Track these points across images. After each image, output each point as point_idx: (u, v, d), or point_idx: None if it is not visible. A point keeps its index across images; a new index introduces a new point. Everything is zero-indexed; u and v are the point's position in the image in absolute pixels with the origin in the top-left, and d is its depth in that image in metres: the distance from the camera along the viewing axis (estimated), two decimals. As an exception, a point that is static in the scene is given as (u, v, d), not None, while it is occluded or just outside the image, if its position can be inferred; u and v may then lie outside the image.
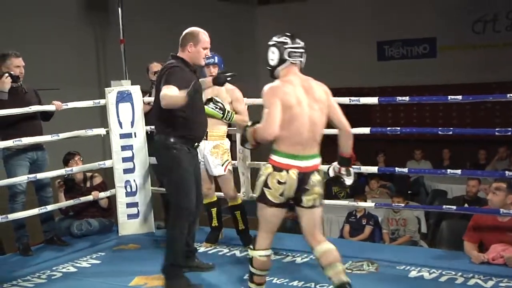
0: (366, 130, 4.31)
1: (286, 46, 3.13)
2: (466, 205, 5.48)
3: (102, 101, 5.07)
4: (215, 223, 4.61)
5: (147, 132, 5.03)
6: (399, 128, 4.38)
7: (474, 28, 15.70)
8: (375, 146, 9.31)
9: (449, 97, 4.03)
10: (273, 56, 3.16)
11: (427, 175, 7.83)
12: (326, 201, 5.95)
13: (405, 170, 4.43)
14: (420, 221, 5.98)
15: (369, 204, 5.10)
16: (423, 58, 16.33)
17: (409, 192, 7.55)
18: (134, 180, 5.04)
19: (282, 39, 3.16)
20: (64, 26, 12.07)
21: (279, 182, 3.01)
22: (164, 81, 3.48)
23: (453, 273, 3.78)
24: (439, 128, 4.15)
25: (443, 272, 3.81)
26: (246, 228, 4.49)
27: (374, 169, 4.71)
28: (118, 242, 4.88)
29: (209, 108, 4.20)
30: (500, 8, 15.41)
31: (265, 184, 3.04)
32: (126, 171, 5.03)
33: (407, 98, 4.16)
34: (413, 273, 3.85)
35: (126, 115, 5.01)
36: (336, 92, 4.70)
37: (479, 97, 4.11)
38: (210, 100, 4.23)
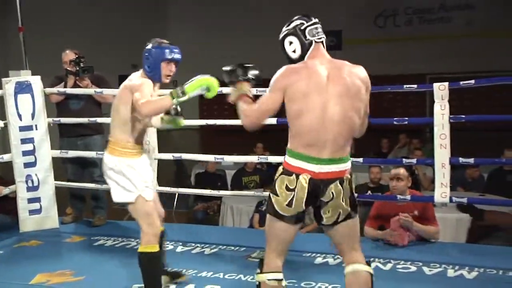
0: (273, 121, 4.36)
1: (304, 27, 2.60)
2: (369, 192, 5.71)
3: (-1, 92, 4.82)
4: None
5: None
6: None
7: (376, 22, 16.36)
8: (284, 136, 9.47)
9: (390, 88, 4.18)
10: (293, 46, 2.61)
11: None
12: (236, 192, 6.06)
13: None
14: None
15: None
16: (329, 50, 16.72)
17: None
18: (35, 175, 4.83)
19: (295, 23, 2.62)
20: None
21: (288, 189, 2.48)
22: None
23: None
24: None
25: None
26: None
27: (281, 159, 4.77)
28: (19, 239, 4.67)
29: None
30: (398, 4, 16.12)
31: (273, 190, 2.52)
32: (27, 165, 4.82)
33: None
34: (319, 260, 3.96)
35: (26, 107, 4.79)
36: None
37: (379, 88, 4.26)
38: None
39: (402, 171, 4.29)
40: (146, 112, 2.97)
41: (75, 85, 4.89)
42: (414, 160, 4.51)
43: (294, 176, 2.46)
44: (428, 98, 13.17)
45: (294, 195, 2.47)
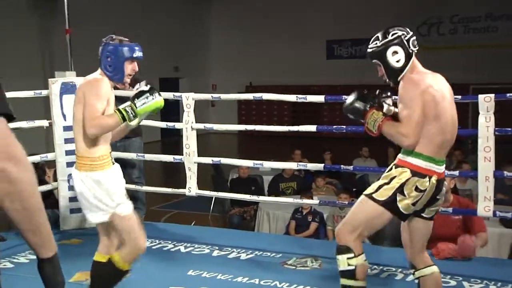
0: (312, 128, 4.35)
1: (407, 37, 2.73)
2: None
3: (44, 92, 4.93)
4: None
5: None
6: (344, 127, 4.43)
7: (419, 30, 16.14)
8: (323, 144, 9.43)
9: (393, 97, 4.10)
10: (398, 56, 2.70)
11: (372, 173, 7.97)
12: (273, 198, 6.06)
13: (350, 167, 4.50)
14: (364, 218, 6.07)
15: (313, 201, 5.16)
16: (371, 58, 16.64)
17: (354, 189, 7.67)
18: (77, 174, 4.92)
19: (399, 33, 2.73)
20: (10, 16, 11.71)
21: (418, 190, 2.65)
22: None
23: (393, 269, 3.87)
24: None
25: (384, 269, 3.89)
26: None
27: (320, 166, 4.76)
28: (60, 237, 4.75)
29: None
30: (444, 12, 15.86)
31: (400, 190, 2.65)
32: (70, 164, 4.90)
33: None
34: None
35: (70, 107, 4.85)
36: (284, 89, 4.80)
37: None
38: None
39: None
40: (91, 133, 2.79)
41: (115, 88, 4.94)
42: (456, 173, 4.41)
43: (427, 178, 2.64)
44: (471, 108, 12.90)
45: (422, 195, 2.65)
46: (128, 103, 2.89)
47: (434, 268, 2.85)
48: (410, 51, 2.71)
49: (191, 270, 3.85)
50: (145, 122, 4.91)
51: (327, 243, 5.19)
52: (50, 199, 5.13)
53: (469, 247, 3.97)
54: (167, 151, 5.77)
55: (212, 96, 4.88)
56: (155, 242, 4.56)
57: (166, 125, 5.00)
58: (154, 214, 7.26)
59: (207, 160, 4.76)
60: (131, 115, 2.83)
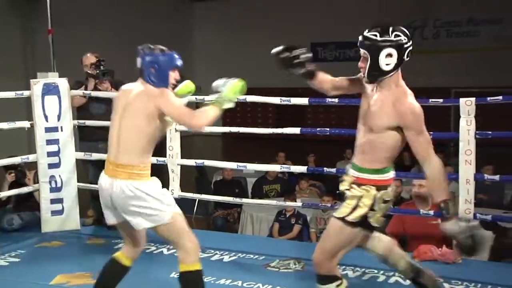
0: (296, 130, 4.36)
1: (406, 45, 2.62)
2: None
3: (26, 93, 4.89)
4: None
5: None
6: (328, 129, 4.45)
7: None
8: (306, 146, 9.46)
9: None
10: (390, 60, 2.60)
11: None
12: (257, 201, 6.06)
13: (333, 170, 4.51)
14: (347, 220, 6.10)
15: (296, 204, 5.17)
16: (354, 60, 16.69)
17: (338, 192, 7.69)
18: (59, 176, 4.88)
19: (399, 38, 2.62)
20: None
21: (385, 201, 2.72)
22: None
23: (376, 271, 3.88)
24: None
25: (366, 271, 3.90)
26: None
27: (303, 169, 4.77)
28: (41, 239, 4.72)
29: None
30: (427, 16, 16.00)
31: (371, 208, 2.70)
32: (51, 166, 4.87)
33: (336, 100, 4.23)
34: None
35: (52, 109, 4.85)
36: (269, 92, 4.78)
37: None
38: None
39: (424, 180, 4.28)
40: (200, 126, 2.85)
41: (95, 89, 4.94)
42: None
43: (390, 188, 2.74)
44: (453, 112, 13.02)
45: (389, 204, 2.76)
46: (214, 95, 2.95)
47: None
48: (404, 59, 2.63)
49: (174, 273, 3.83)
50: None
51: (310, 245, 5.19)
52: (30, 201, 5.08)
53: (449, 259, 4.01)
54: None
55: (196, 98, 4.88)
56: (138, 244, 4.52)
57: (149, 127, 4.97)
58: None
59: (191, 162, 4.75)
60: (223, 100, 2.90)
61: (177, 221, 2.89)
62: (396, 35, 2.61)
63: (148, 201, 2.82)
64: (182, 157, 4.69)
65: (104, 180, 2.89)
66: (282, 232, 5.86)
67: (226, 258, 4.22)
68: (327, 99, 4.31)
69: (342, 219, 2.72)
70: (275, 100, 4.38)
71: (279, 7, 17.26)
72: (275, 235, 5.86)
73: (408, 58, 2.64)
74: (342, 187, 2.82)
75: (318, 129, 4.54)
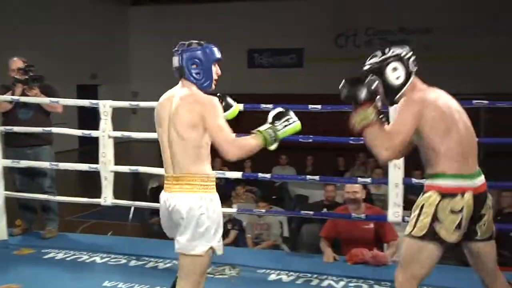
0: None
1: (408, 56, 2.61)
2: (325, 209, 5.75)
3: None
4: None
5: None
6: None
7: (337, 42, 16.63)
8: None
9: (310, 106, 4.22)
10: (398, 73, 2.57)
11: (291, 181, 8.13)
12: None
13: (268, 175, 4.55)
14: (283, 225, 6.16)
15: (232, 209, 5.19)
16: (290, 67, 16.98)
17: (274, 197, 7.77)
18: (-15, 184, 4.70)
19: (398, 50, 2.62)
20: None
21: (454, 212, 2.43)
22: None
23: (309, 275, 3.94)
24: (300, 136, 4.31)
25: (300, 275, 3.95)
26: None
27: (238, 175, 4.79)
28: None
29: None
30: (359, 24, 16.43)
31: (435, 217, 2.44)
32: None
33: (271, 106, 4.27)
34: (273, 276, 3.96)
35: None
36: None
37: (337, 107, 4.32)
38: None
39: (356, 186, 4.38)
40: (233, 156, 2.53)
41: (23, 94, 4.79)
42: (368, 179, 4.58)
43: (459, 196, 2.43)
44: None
45: (461, 217, 2.43)
46: (268, 125, 2.59)
47: None
48: (410, 70, 2.60)
49: (107, 281, 3.78)
50: (60, 130, 4.77)
51: (246, 251, 5.24)
52: None
53: (380, 262, 4.12)
54: (85, 159, 5.63)
55: (130, 104, 4.82)
56: (70, 253, 4.43)
57: (82, 133, 4.88)
58: (71, 224, 7.05)
59: (124, 168, 4.68)
60: (272, 139, 2.57)
61: (206, 259, 2.61)
62: (393, 51, 2.62)
63: (205, 221, 2.55)
64: (118, 164, 4.60)
65: (163, 196, 2.68)
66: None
67: (161, 266, 4.18)
68: (261, 104, 4.36)
69: (409, 234, 2.55)
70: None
71: (216, 12, 17.29)
72: (211, 241, 5.84)
73: (416, 68, 2.63)
74: None
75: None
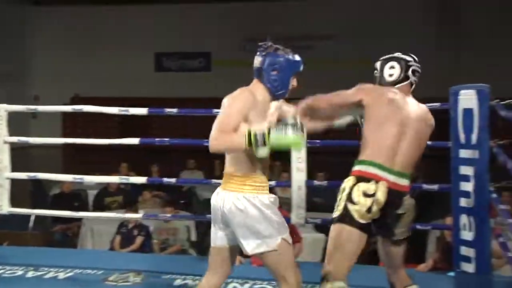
0: (135, 141, 4.30)
1: (411, 64, 2.81)
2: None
3: None
4: None
5: None
6: (167, 139, 4.44)
7: (245, 46, 16.83)
8: (152, 156, 9.38)
9: (213, 110, 4.23)
10: (392, 71, 2.80)
11: (199, 185, 8.14)
12: (96, 213, 5.86)
13: (173, 180, 4.52)
14: (190, 230, 6.15)
15: (137, 215, 5.11)
16: (198, 71, 16.99)
17: (182, 201, 7.74)
18: None
19: (404, 56, 2.83)
20: None
21: (366, 195, 2.54)
22: None
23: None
24: (205, 140, 4.31)
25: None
26: None
27: (143, 180, 4.72)
28: None
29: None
30: (266, 29, 16.71)
31: (349, 199, 2.57)
32: None
33: (175, 110, 4.25)
34: (178, 282, 3.93)
35: None
36: (113, 101, 4.71)
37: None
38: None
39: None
40: (211, 147, 2.46)
41: None
42: (273, 182, 4.65)
43: (373, 182, 2.55)
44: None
45: (373, 201, 2.53)
46: (263, 128, 2.43)
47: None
48: (407, 74, 2.79)
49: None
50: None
51: (151, 257, 5.16)
52: None
53: None
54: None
55: (27, 108, 4.63)
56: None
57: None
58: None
59: (22, 175, 4.48)
60: (260, 142, 2.39)
61: (285, 250, 2.57)
62: (400, 54, 2.85)
63: (257, 220, 2.50)
64: (17, 171, 4.40)
65: (217, 194, 2.62)
66: (124, 245, 5.75)
67: (61, 275, 4.02)
68: (166, 109, 4.32)
69: (332, 219, 2.68)
70: (113, 110, 4.27)
71: (124, 15, 16.99)
72: (117, 247, 5.73)
73: (412, 77, 2.80)
74: None
75: (157, 139, 4.51)
